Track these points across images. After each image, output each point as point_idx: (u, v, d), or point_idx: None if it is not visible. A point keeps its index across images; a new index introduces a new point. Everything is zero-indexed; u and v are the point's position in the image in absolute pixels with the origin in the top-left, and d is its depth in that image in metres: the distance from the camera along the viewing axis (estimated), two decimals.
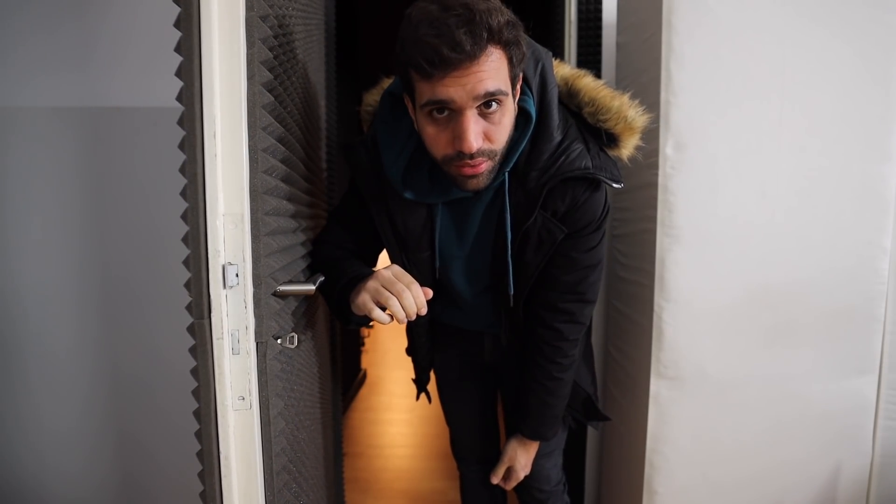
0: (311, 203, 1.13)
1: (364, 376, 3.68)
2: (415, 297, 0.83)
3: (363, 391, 3.48)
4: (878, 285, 1.22)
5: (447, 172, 0.85)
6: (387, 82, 1.06)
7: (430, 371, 1.30)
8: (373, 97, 1.08)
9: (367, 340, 4.30)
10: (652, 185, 1.23)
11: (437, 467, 2.40)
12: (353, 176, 1.02)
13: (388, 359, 4.32)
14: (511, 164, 0.88)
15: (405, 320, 0.84)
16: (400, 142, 0.92)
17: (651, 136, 1.20)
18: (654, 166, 1.22)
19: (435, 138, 0.81)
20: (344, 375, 2.20)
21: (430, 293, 0.86)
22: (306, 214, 1.06)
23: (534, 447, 1.16)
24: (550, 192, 0.90)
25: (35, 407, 1.47)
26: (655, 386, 1.25)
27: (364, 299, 0.85)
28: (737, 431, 1.26)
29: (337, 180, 1.72)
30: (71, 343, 1.46)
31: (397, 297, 0.82)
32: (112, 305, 1.45)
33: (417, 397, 1.33)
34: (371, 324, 0.91)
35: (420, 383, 1.31)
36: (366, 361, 3.95)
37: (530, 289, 1.01)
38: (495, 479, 1.17)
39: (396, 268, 0.87)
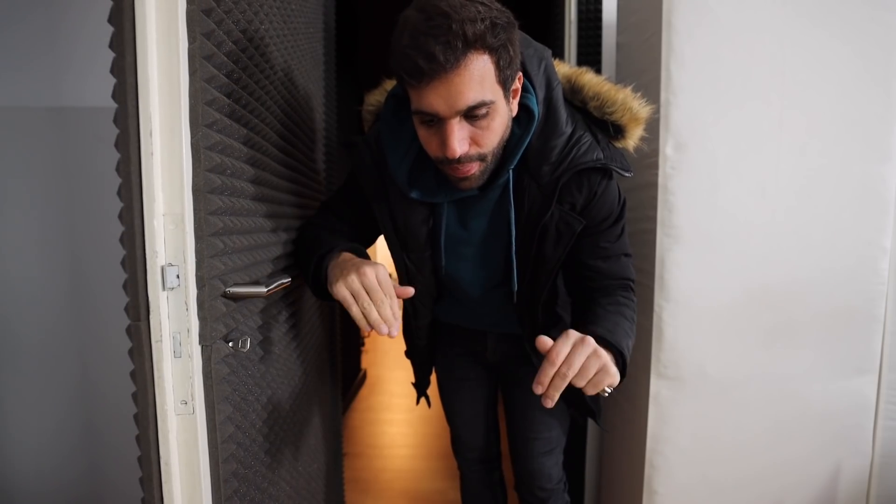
0: (297, 203, 1.12)
1: (364, 376, 3.68)
2: (393, 312, 0.79)
3: (363, 391, 3.48)
4: (878, 285, 1.22)
5: (443, 172, 0.87)
6: (388, 83, 1.07)
7: (430, 375, 1.30)
8: (374, 97, 1.09)
9: (367, 340, 4.31)
10: (652, 185, 1.23)
11: (437, 467, 2.40)
12: (355, 174, 1.03)
13: (388, 359, 4.33)
14: (515, 162, 0.89)
15: (378, 330, 0.79)
16: (405, 143, 0.93)
17: (651, 136, 1.20)
18: (654, 166, 1.22)
19: (427, 141, 0.84)
20: (344, 375, 2.19)
21: (411, 292, 0.85)
22: (286, 214, 1.04)
23: (593, 349, 0.74)
24: (566, 185, 0.91)
25: (5, 401, 1.47)
26: (655, 386, 1.25)
27: (344, 295, 0.80)
28: (737, 431, 1.26)
29: (337, 180, 1.72)
30: (47, 339, 1.46)
31: (377, 305, 0.78)
32: (93, 302, 1.45)
33: (417, 401, 1.33)
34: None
35: (420, 387, 1.30)
36: (366, 361, 3.95)
37: (550, 287, 1.00)
38: (541, 385, 0.74)
39: (383, 272, 0.81)
